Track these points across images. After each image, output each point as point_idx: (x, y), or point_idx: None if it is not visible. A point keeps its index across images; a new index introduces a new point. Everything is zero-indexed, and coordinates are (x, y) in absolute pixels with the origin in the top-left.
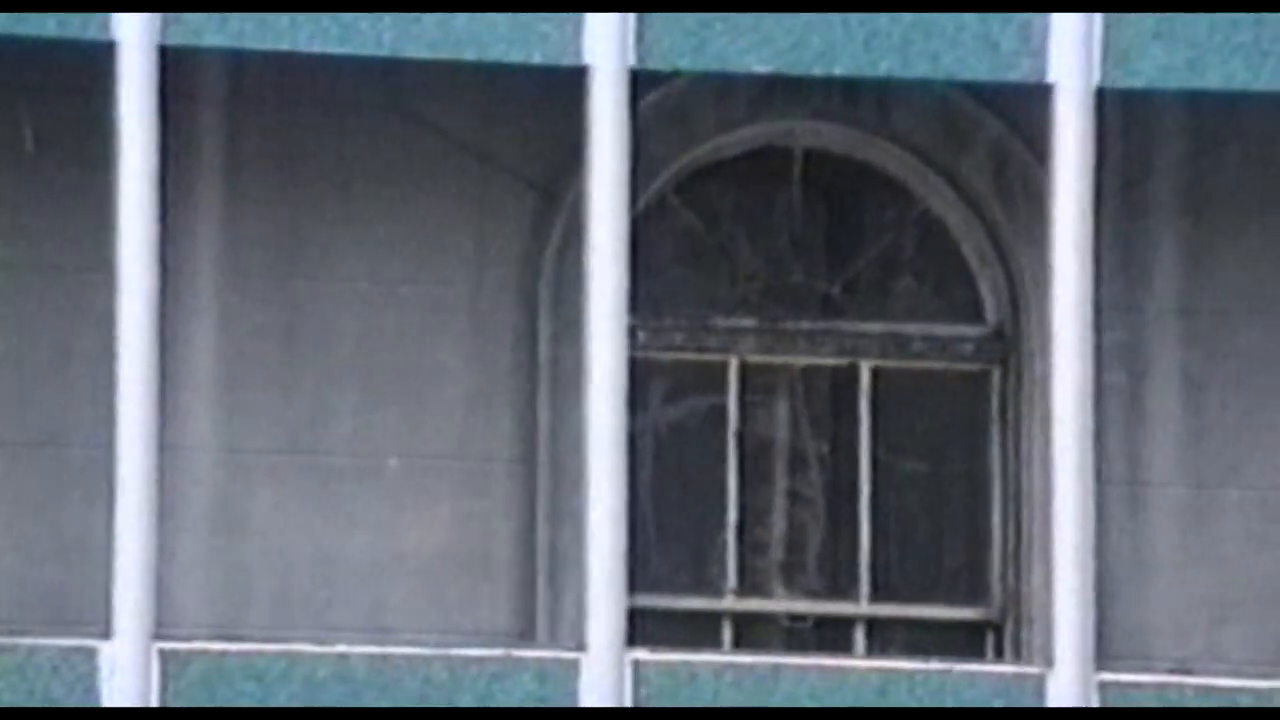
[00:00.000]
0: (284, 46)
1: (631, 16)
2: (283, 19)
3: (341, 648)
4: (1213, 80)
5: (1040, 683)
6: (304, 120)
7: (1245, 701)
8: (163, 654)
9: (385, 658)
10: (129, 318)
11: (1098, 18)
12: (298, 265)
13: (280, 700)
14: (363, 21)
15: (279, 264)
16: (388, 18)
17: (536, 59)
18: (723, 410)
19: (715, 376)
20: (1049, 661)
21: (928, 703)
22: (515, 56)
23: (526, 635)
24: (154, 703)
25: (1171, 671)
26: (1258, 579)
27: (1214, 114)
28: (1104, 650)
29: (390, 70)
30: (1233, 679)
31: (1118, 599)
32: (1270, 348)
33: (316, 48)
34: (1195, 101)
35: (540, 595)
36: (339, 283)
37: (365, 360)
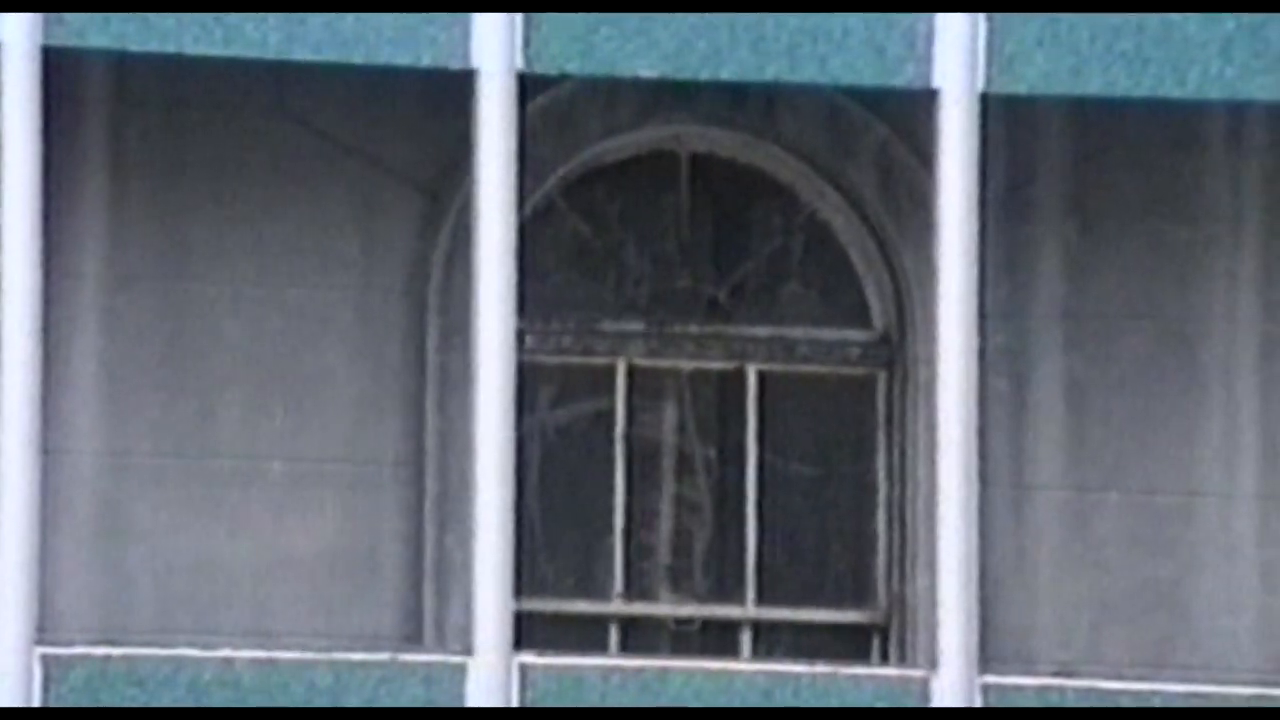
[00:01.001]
0: (169, 48)
1: (519, 20)
2: (167, 20)
3: (226, 652)
4: (1095, 87)
5: (924, 685)
6: (189, 123)
7: (1125, 703)
8: (45, 659)
9: (270, 662)
10: (12, 320)
11: (982, 24)
12: (183, 268)
13: (164, 704)
14: (248, 24)
15: (164, 267)
16: (273, 20)
17: (424, 62)
18: (610, 414)
19: (603, 380)
20: (933, 664)
21: (813, 705)
22: (402, 59)
23: (413, 639)
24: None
25: (1053, 674)
26: (1138, 582)
27: (1096, 120)
28: (987, 653)
29: (276, 73)
30: (1113, 681)
31: (1001, 602)
32: (1152, 352)
33: (201, 50)
34: (1078, 108)
35: (427, 599)
36: (224, 286)
37: (251, 364)
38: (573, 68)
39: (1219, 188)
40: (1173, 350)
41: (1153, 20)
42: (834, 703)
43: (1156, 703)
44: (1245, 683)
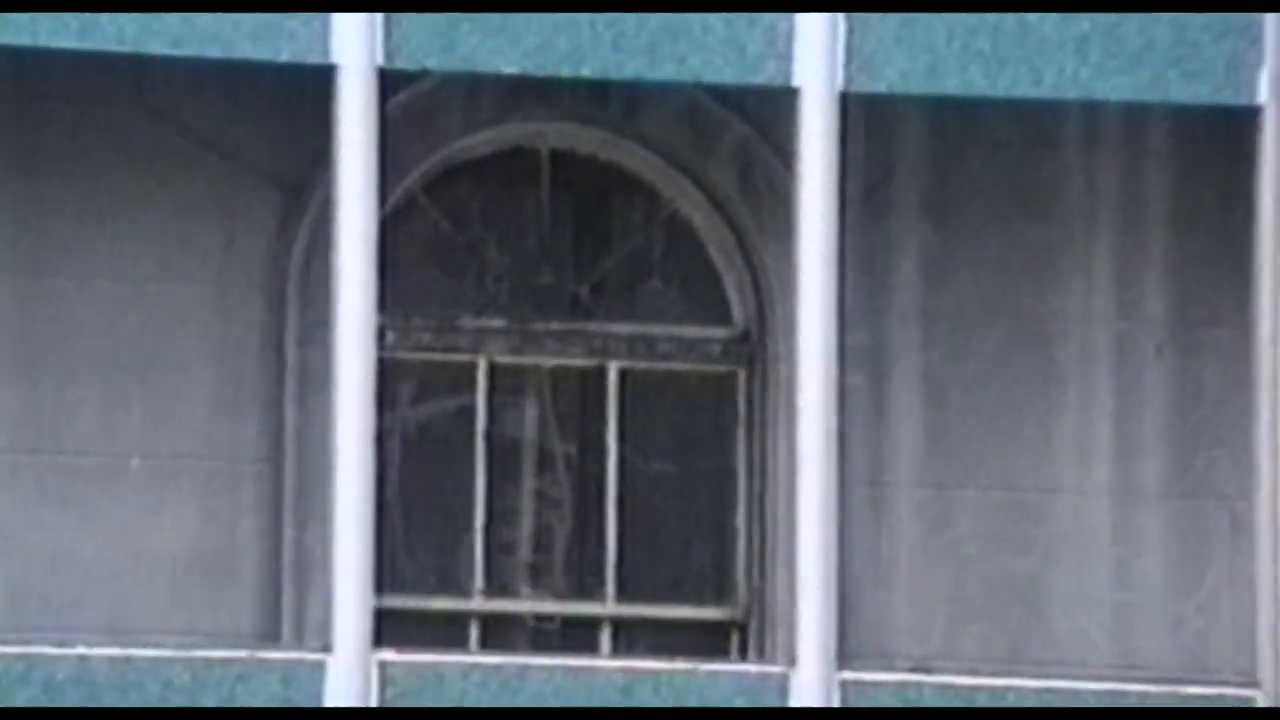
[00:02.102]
0: (25, 41)
1: (379, 16)
2: (23, 14)
3: (81, 649)
4: (952, 86)
5: (783, 681)
6: (47, 116)
7: (982, 700)
8: None
9: (126, 659)
10: None
11: (842, 23)
12: (41, 262)
13: (18, 702)
14: (105, 17)
15: (21, 261)
16: (130, 14)
17: (283, 57)
18: (471, 411)
19: (463, 377)
20: (792, 661)
21: (672, 702)
22: (261, 54)
23: (271, 637)
24: None
25: (911, 670)
26: (994, 578)
27: (954, 120)
28: (846, 649)
29: (135, 66)
30: (970, 677)
31: (860, 599)
32: (1009, 350)
33: (58, 43)
34: (936, 107)
35: (286, 596)
36: (82, 280)
37: (108, 358)
38: (433, 64)
39: (1074, 187)
40: (1029, 348)
41: (1009, 21)
42: (693, 700)
43: (1011, 700)
44: (1099, 678)
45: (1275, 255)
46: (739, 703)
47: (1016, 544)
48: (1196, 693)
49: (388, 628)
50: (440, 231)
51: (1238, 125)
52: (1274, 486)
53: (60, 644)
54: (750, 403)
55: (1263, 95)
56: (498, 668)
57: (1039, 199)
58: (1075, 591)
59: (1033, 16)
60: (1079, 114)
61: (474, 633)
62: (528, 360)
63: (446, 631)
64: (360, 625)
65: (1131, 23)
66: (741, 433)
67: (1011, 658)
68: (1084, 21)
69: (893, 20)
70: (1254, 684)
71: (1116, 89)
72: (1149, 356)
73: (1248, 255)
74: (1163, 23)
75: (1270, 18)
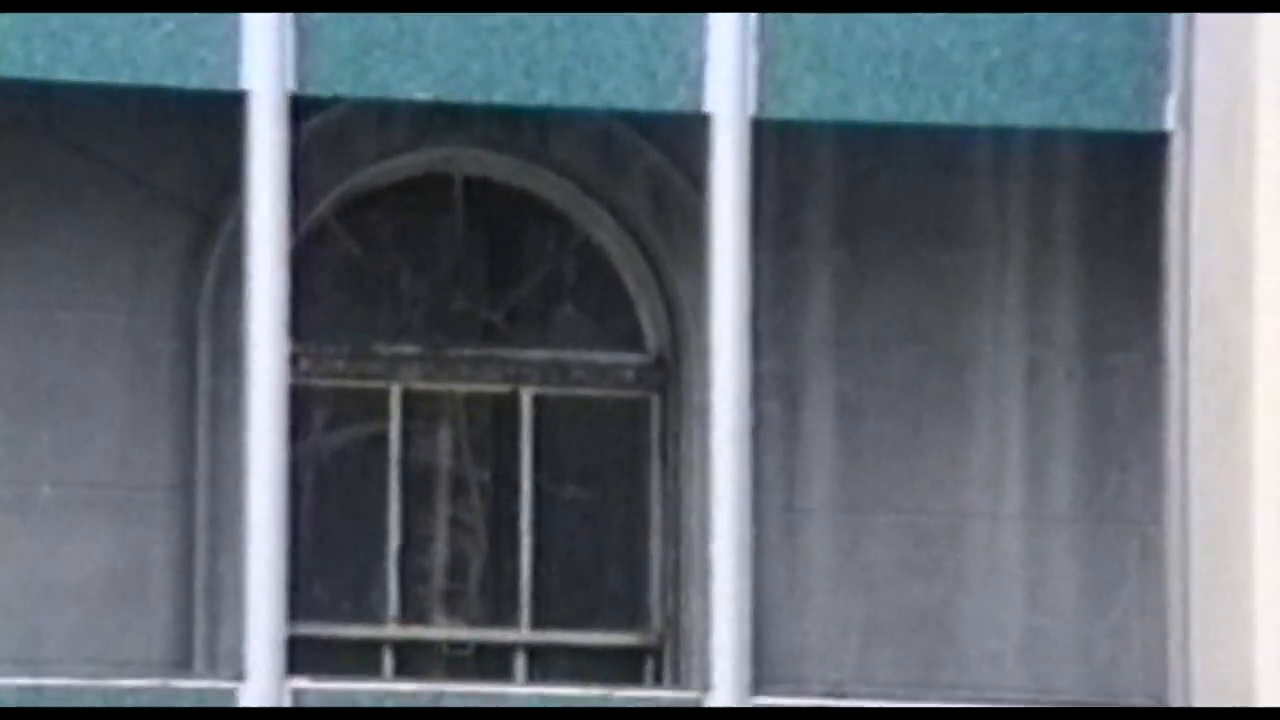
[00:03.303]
0: None
1: (290, 41)
2: None
3: None
4: (863, 112)
5: (697, 707)
6: None
7: None
8: None
9: (38, 689)
10: None
11: (753, 50)
12: None
13: None
14: (11, 42)
15: None
16: (39, 39)
17: (193, 83)
18: (384, 438)
19: (377, 404)
20: (706, 686)
21: None
22: (171, 80)
23: (184, 665)
24: None
25: (824, 694)
26: (907, 603)
27: (866, 146)
28: (760, 674)
29: (44, 93)
30: (882, 701)
31: (774, 624)
32: (921, 376)
33: None
34: (847, 133)
35: (198, 623)
36: None
37: (19, 386)
38: (345, 90)
39: (985, 213)
40: (940, 373)
41: (920, 47)
42: None
43: None
44: (1011, 702)
45: (1183, 280)
46: None
47: (929, 568)
48: (1098, 709)
49: (301, 655)
50: (353, 258)
51: (1146, 151)
52: (1183, 510)
53: None
54: (664, 429)
55: (1170, 121)
56: (412, 695)
57: (950, 224)
58: (987, 615)
59: (943, 43)
60: (989, 140)
61: (388, 660)
62: (441, 387)
63: (360, 659)
64: (273, 653)
65: (1041, 50)
66: (655, 459)
67: (924, 681)
68: (994, 49)
69: (804, 47)
70: (1163, 706)
71: (1026, 115)
72: (1059, 381)
73: (1156, 280)
74: (1072, 50)
75: (1178, 46)
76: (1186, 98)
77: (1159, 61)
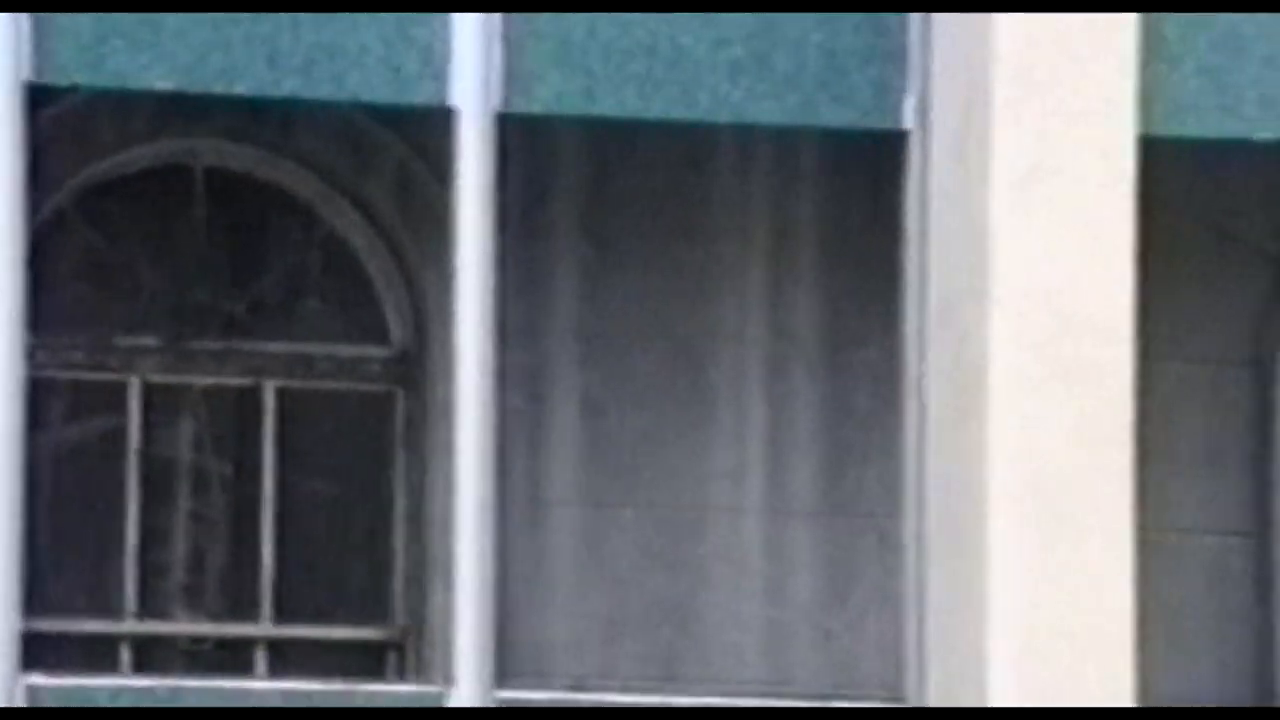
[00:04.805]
0: None
1: (26, 29)
2: None
3: None
4: (607, 108)
5: (440, 701)
6: None
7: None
8: None
9: None
10: None
11: (498, 44)
12: None
13: None
14: None
15: None
16: None
17: None
18: (123, 431)
19: (116, 396)
20: (449, 680)
21: None
22: None
23: None
24: None
25: (568, 688)
26: (649, 597)
27: (610, 141)
28: (504, 668)
29: None
30: (625, 695)
31: (517, 618)
32: (666, 371)
33: None
34: (592, 129)
35: None
36: None
37: None
38: (83, 79)
39: (727, 209)
40: (684, 368)
41: (663, 44)
42: None
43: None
44: (751, 695)
45: (921, 277)
46: None
47: (671, 562)
48: (845, 706)
49: (37, 650)
50: (92, 249)
51: (885, 150)
52: (919, 504)
53: None
54: (409, 422)
55: (908, 120)
56: (150, 690)
57: (693, 220)
58: (728, 609)
59: (686, 40)
60: (731, 137)
61: (126, 655)
62: (182, 379)
63: (97, 654)
64: (8, 648)
65: (782, 48)
66: (400, 452)
67: (666, 675)
68: (736, 47)
69: (548, 43)
70: (899, 698)
71: (767, 113)
72: (800, 376)
73: (895, 277)
74: (812, 48)
75: (915, 46)
76: (924, 97)
77: (897, 61)
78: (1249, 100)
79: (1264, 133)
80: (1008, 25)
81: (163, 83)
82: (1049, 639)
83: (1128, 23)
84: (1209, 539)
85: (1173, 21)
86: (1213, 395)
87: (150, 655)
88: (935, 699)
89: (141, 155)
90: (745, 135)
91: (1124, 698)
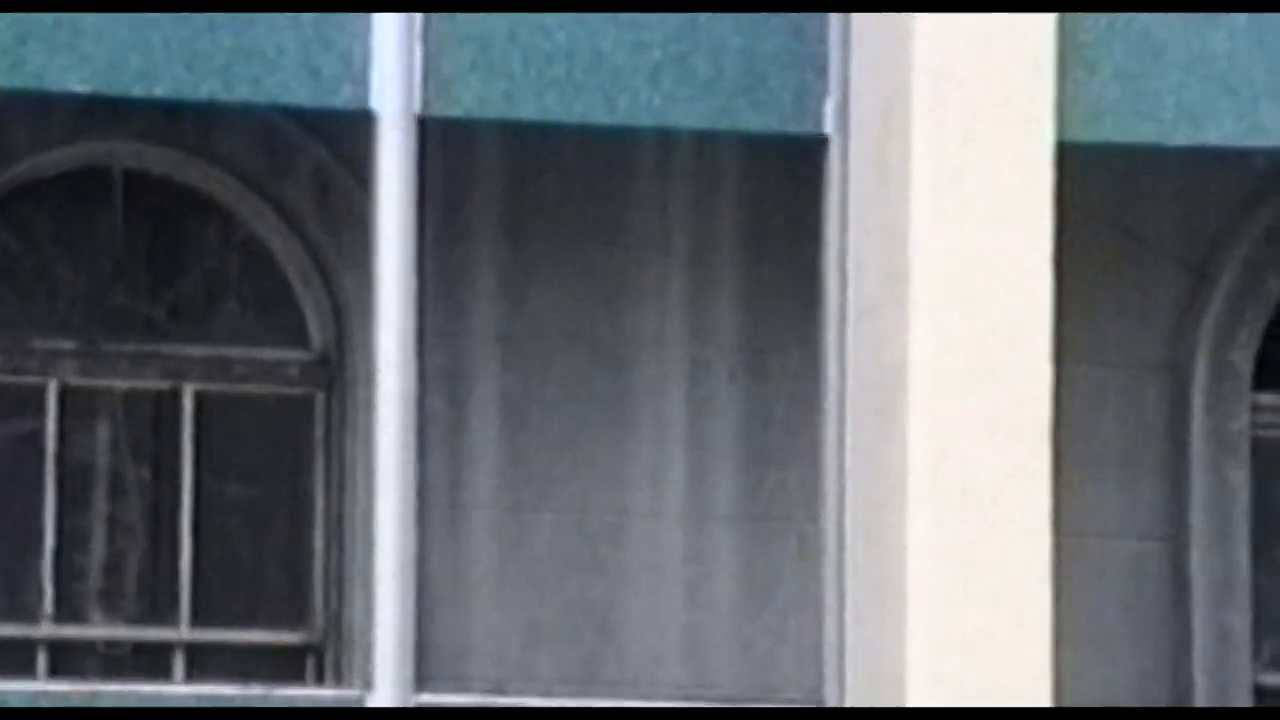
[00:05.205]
0: None
1: None
2: None
3: None
4: (528, 112)
5: (359, 705)
6: None
7: None
8: None
9: None
10: None
11: (417, 46)
12: None
13: None
14: None
15: None
16: None
17: None
18: (41, 434)
19: (33, 399)
20: (368, 684)
21: None
22: None
23: None
24: None
25: (487, 692)
26: (569, 601)
27: (531, 145)
28: (423, 672)
29: None
30: (544, 698)
31: (437, 621)
32: (585, 374)
33: None
34: (513, 132)
35: None
36: None
37: None
38: (0, 80)
39: (648, 213)
40: (605, 372)
41: (583, 48)
42: None
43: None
44: (671, 698)
45: (840, 282)
46: None
47: (591, 566)
48: (764, 707)
49: None
50: (9, 251)
51: (805, 154)
52: (839, 509)
53: None
54: (329, 426)
55: (829, 125)
56: (66, 695)
57: (614, 224)
58: (648, 613)
59: (606, 44)
60: (652, 141)
61: (42, 659)
62: (100, 383)
63: (13, 659)
64: None
65: (702, 52)
66: (320, 456)
67: (586, 679)
68: (656, 50)
69: (469, 46)
70: (819, 700)
71: (688, 117)
72: (720, 381)
73: (815, 282)
74: (732, 53)
75: (835, 50)
76: (844, 101)
77: (817, 66)
78: (1166, 106)
79: (1180, 139)
80: (926, 29)
81: (81, 85)
82: (968, 641)
83: (1045, 28)
84: (1125, 542)
85: (1090, 27)
86: (1129, 399)
87: (67, 659)
88: (854, 701)
89: (59, 158)
90: (666, 139)
91: (1042, 698)
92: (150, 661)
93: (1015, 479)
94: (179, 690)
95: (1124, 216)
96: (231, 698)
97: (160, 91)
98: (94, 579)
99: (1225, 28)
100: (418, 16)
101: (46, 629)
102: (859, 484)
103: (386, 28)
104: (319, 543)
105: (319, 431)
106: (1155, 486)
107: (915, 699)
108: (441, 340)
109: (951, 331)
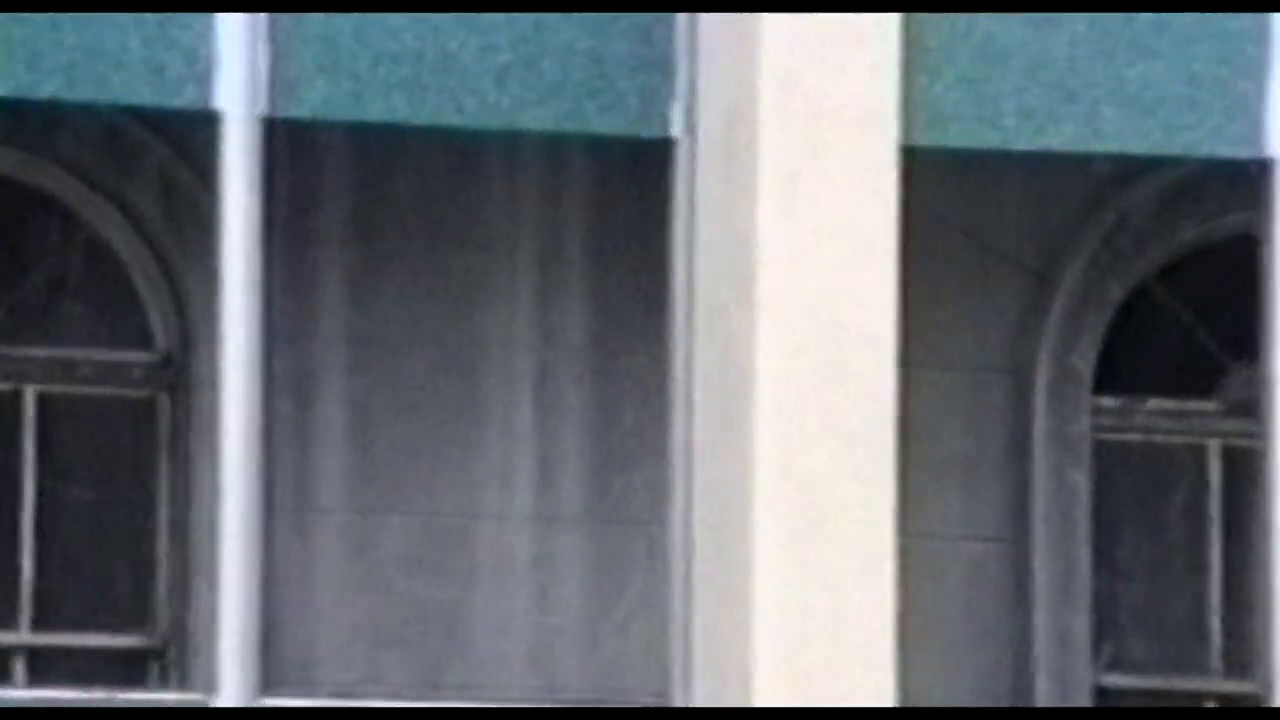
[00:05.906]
0: None
1: None
2: None
3: None
4: (375, 113)
5: (203, 709)
6: None
7: None
8: None
9: None
10: None
11: (262, 47)
12: None
13: None
14: None
15: None
16: None
17: None
18: None
19: None
20: (212, 687)
21: None
22: None
23: None
24: None
25: (333, 695)
26: (416, 603)
27: (378, 147)
28: (269, 675)
29: None
30: (391, 701)
31: (283, 625)
32: (434, 377)
33: None
34: (361, 133)
35: None
36: None
37: None
38: None
39: (497, 215)
40: (453, 375)
41: (431, 50)
42: None
43: None
44: (519, 701)
45: (688, 284)
46: None
47: (439, 569)
48: (611, 708)
49: None
50: None
51: (652, 157)
52: (686, 511)
53: None
54: (173, 428)
55: (675, 128)
56: None
57: (462, 226)
58: (496, 616)
59: (454, 45)
60: (500, 143)
61: None
62: None
63: None
64: None
65: (550, 55)
66: (164, 458)
67: (433, 682)
68: (504, 52)
69: (315, 47)
70: (666, 702)
71: (535, 119)
72: (568, 383)
73: (662, 284)
74: (579, 55)
75: (682, 53)
76: (691, 104)
77: (664, 68)
78: (1008, 111)
79: (1023, 144)
80: (772, 31)
81: None
82: (813, 642)
83: (890, 32)
84: (968, 545)
85: (934, 32)
86: (972, 403)
87: None
88: (701, 701)
89: None
90: (514, 141)
91: (886, 698)
92: None
93: (860, 481)
94: (19, 695)
95: (967, 220)
96: (73, 701)
97: (2, 91)
98: None
99: (1067, 33)
100: (263, 16)
101: None
102: (706, 486)
103: (232, 27)
104: (162, 545)
105: (163, 433)
106: (997, 489)
107: (761, 699)
108: (288, 342)
109: (797, 334)
